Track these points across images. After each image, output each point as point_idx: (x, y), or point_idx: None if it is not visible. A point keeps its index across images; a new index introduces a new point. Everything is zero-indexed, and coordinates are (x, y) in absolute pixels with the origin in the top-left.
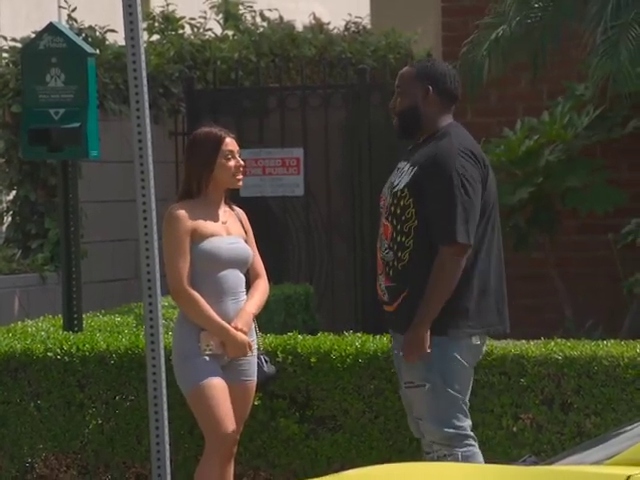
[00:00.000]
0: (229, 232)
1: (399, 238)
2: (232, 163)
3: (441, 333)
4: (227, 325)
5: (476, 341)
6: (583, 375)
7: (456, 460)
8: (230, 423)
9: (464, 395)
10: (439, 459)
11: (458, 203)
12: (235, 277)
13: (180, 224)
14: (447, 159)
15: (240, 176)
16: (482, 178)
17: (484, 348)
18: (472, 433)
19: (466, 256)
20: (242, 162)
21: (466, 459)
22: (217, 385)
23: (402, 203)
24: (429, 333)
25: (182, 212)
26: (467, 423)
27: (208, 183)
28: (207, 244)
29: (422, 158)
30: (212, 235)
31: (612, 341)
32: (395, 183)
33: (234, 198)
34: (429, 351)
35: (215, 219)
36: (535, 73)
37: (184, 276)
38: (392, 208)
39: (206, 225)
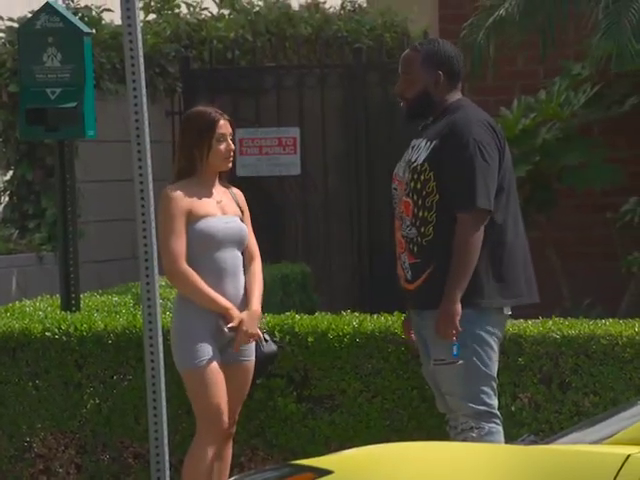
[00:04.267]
0: (224, 211)
1: (421, 213)
2: (223, 147)
3: (472, 306)
4: (229, 303)
5: (507, 311)
6: (581, 354)
7: (481, 433)
8: (223, 407)
9: (494, 372)
10: (463, 432)
11: (477, 169)
12: (233, 257)
13: (175, 204)
14: (463, 128)
15: (230, 159)
16: (499, 148)
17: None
18: (498, 412)
19: (485, 222)
20: (232, 146)
21: (491, 435)
22: (213, 369)
23: (422, 177)
24: (460, 307)
25: (177, 192)
26: (495, 402)
27: (202, 164)
28: (202, 224)
29: (438, 132)
30: (207, 215)
31: (610, 320)
32: (413, 159)
33: (230, 178)
34: (460, 329)
35: (210, 199)
36: (544, 51)
37: (180, 256)
38: (412, 184)
39: (201, 205)
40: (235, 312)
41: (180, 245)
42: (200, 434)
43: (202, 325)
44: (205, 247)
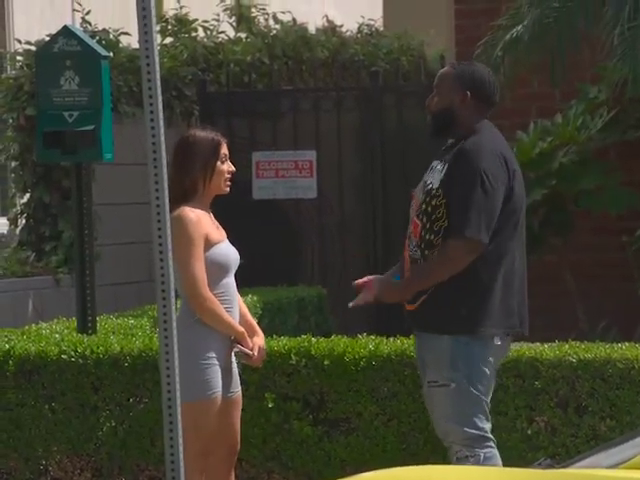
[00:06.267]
0: (222, 236)
1: (427, 236)
2: (225, 167)
3: (468, 332)
4: (242, 328)
5: (497, 341)
6: (597, 378)
7: (478, 461)
8: (209, 445)
9: (486, 397)
10: (459, 460)
11: (474, 199)
12: (234, 282)
13: (195, 228)
14: (472, 156)
15: (229, 182)
16: (507, 180)
17: (508, 350)
18: (491, 436)
19: (474, 255)
20: (233, 167)
21: (488, 460)
22: (218, 402)
23: (434, 202)
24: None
25: (195, 216)
26: (488, 425)
27: (204, 187)
28: (217, 250)
29: (451, 156)
30: (219, 241)
31: (627, 343)
32: (428, 182)
33: (248, 201)
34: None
35: (214, 224)
36: (553, 77)
37: (204, 281)
38: (424, 206)
39: (213, 231)
40: (247, 337)
41: (203, 270)
42: (190, 467)
43: (214, 350)
44: (219, 273)
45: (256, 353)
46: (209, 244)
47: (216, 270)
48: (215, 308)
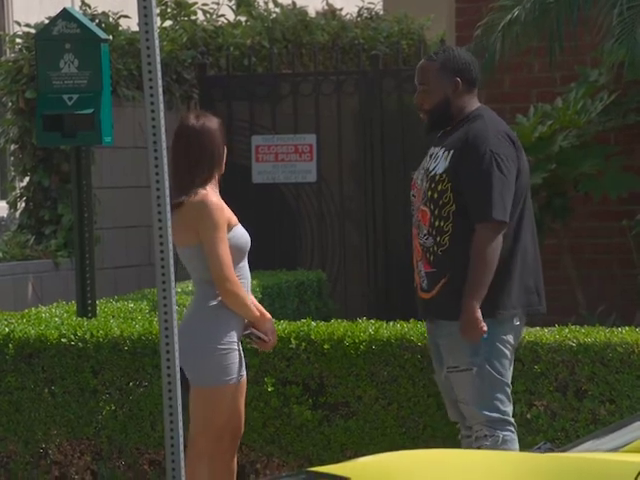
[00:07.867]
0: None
1: (437, 223)
2: (225, 151)
3: (489, 315)
4: (258, 313)
5: (517, 322)
6: (597, 362)
7: (496, 442)
8: (225, 427)
9: (508, 378)
10: (478, 440)
11: (493, 181)
12: (247, 265)
13: (221, 212)
14: (481, 140)
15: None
16: (516, 159)
17: (524, 329)
18: (512, 420)
19: (502, 233)
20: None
21: (505, 443)
22: (234, 387)
23: (440, 188)
24: (480, 314)
25: (218, 200)
26: (510, 408)
27: (220, 172)
28: (237, 233)
29: (457, 142)
30: (237, 224)
31: (626, 328)
32: (431, 168)
33: (247, 184)
34: (485, 329)
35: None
36: (551, 58)
37: (231, 264)
38: (429, 193)
39: (231, 214)
40: (261, 322)
41: (228, 254)
42: (197, 450)
43: (236, 334)
44: (239, 256)
45: (270, 337)
46: (229, 227)
47: (236, 253)
48: (239, 291)
